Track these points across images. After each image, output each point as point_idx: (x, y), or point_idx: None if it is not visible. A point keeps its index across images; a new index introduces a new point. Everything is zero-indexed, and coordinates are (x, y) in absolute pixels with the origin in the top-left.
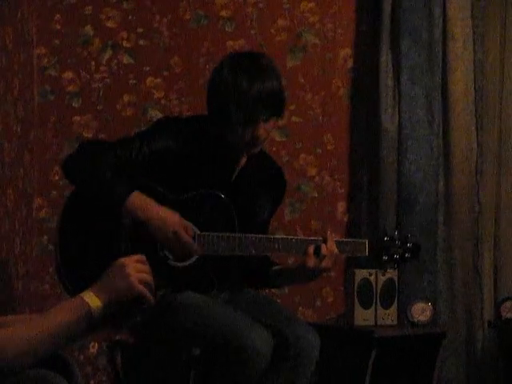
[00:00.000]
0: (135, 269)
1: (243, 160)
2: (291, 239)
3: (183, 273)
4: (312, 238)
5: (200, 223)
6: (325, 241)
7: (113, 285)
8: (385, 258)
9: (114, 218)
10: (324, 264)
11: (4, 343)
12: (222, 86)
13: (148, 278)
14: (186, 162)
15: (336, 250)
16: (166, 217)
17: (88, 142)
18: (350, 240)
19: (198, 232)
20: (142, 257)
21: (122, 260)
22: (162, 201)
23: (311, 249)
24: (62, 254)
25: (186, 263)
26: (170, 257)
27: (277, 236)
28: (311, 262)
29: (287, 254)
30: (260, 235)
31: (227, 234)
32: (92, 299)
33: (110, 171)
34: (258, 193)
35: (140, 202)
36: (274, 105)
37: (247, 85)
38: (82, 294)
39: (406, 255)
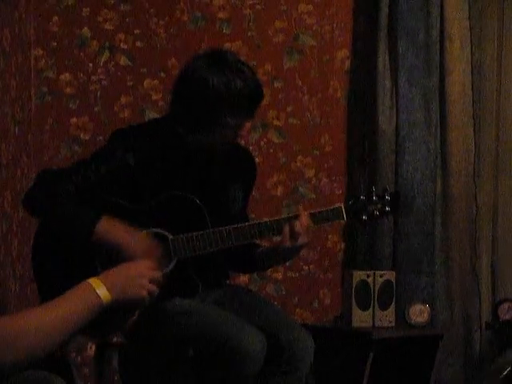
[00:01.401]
0: (150, 279)
1: (205, 155)
2: (264, 222)
3: (165, 280)
4: (284, 216)
5: (172, 227)
6: (297, 217)
7: (126, 288)
8: (364, 217)
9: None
10: (300, 240)
11: (16, 335)
12: (211, 82)
13: (156, 291)
14: (147, 169)
15: (311, 224)
16: (133, 242)
17: (44, 173)
18: (324, 209)
19: (171, 237)
20: (155, 264)
21: (142, 268)
22: (128, 214)
23: (286, 228)
24: (39, 279)
25: (166, 270)
26: None
27: (250, 223)
28: (287, 241)
29: (266, 238)
30: (231, 226)
31: (200, 233)
32: (104, 293)
33: (71, 201)
34: (228, 184)
35: (108, 227)
36: (258, 101)
37: (240, 80)
38: (93, 285)
39: (386, 209)
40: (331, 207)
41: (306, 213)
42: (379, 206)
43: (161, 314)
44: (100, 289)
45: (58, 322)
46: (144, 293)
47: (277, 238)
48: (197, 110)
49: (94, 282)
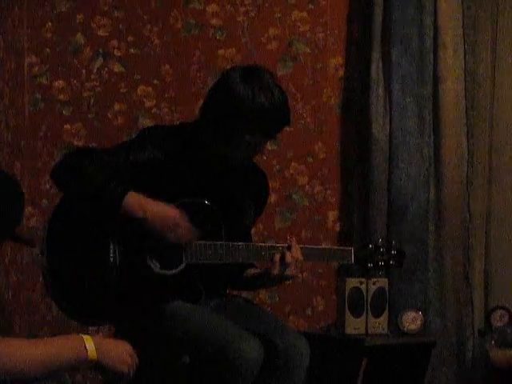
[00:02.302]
0: (133, 363)
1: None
2: (260, 246)
3: (171, 282)
4: (277, 244)
5: None
6: (289, 248)
7: (111, 355)
8: (370, 265)
9: (102, 230)
10: (288, 272)
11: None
12: (244, 100)
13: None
14: (172, 170)
15: (301, 258)
16: (165, 209)
17: (74, 150)
18: (336, 248)
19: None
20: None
21: (130, 349)
22: None
23: (277, 257)
24: (51, 265)
25: (174, 271)
26: (158, 265)
27: (262, 244)
28: (276, 269)
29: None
30: (246, 242)
31: (215, 243)
32: (91, 349)
33: (101, 174)
34: (244, 199)
35: (137, 200)
36: (281, 124)
37: (268, 102)
38: (84, 338)
39: (391, 262)
40: (343, 248)
41: (297, 246)
42: (385, 257)
43: (161, 316)
44: (89, 344)
45: (43, 359)
46: (126, 369)
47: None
48: (219, 118)
49: (85, 337)
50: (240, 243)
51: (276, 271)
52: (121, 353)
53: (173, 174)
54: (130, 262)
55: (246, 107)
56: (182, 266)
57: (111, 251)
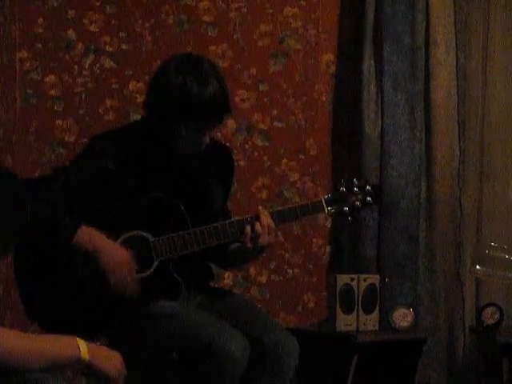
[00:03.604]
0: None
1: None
2: (227, 224)
3: (148, 282)
4: (242, 217)
5: (153, 229)
6: (257, 218)
7: (101, 357)
8: (346, 209)
9: (66, 255)
10: (261, 241)
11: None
12: (177, 94)
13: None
14: (126, 173)
15: (272, 224)
16: (112, 251)
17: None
18: (305, 203)
19: (152, 239)
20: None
21: (120, 356)
22: (110, 217)
23: (248, 229)
24: (23, 293)
25: (148, 272)
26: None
27: (228, 221)
28: (248, 242)
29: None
30: (210, 225)
31: (180, 233)
32: (84, 350)
33: (52, 207)
34: (206, 179)
35: (87, 236)
36: (225, 117)
37: (201, 91)
38: (77, 340)
39: (368, 199)
40: (311, 200)
41: (265, 212)
42: (360, 197)
43: (145, 317)
44: (81, 345)
45: (39, 352)
46: (116, 373)
47: None
48: (157, 109)
49: (79, 339)
50: (206, 226)
51: (249, 244)
52: (111, 357)
53: (128, 175)
54: (100, 274)
55: (178, 97)
56: (155, 264)
57: (80, 270)
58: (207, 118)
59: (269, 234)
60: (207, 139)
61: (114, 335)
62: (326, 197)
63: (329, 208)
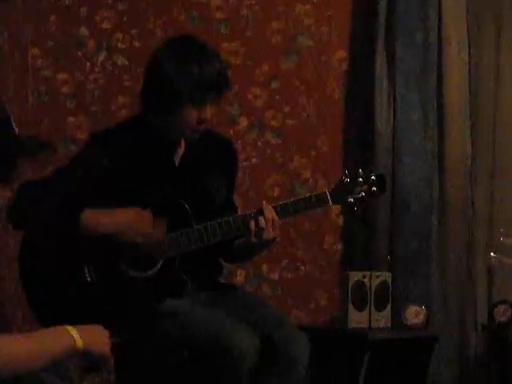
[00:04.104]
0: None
1: (181, 147)
2: (231, 219)
3: (153, 282)
4: (247, 213)
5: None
6: (261, 212)
7: (94, 339)
8: (350, 200)
9: (72, 255)
10: (265, 235)
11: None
12: (168, 69)
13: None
14: (125, 171)
15: (276, 218)
16: (122, 215)
17: (24, 186)
18: (309, 195)
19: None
20: None
21: (104, 329)
22: None
23: (252, 224)
24: (29, 290)
25: (153, 271)
26: (136, 271)
27: (232, 217)
28: (253, 236)
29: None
30: (214, 221)
31: (184, 231)
32: (77, 337)
33: (52, 203)
34: (207, 174)
35: (92, 217)
36: (222, 90)
37: (197, 66)
38: (68, 328)
39: (373, 189)
40: (315, 193)
41: (269, 206)
42: (365, 187)
43: (152, 316)
44: (74, 333)
45: (29, 355)
46: (108, 349)
47: None
48: (152, 93)
49: (68, 327)
50: (210, 223)
51: (253, 238)
52: (101, 336)
53: (127, 174)
54: (107, 276)
55: (200, 77)
56: (160, 263)
57: (86, 272)
58: (200, 93)
59: (273, 228)
60: (206, 115)
61: (123, 333)
62: (330, 189)
63: (333, 200)
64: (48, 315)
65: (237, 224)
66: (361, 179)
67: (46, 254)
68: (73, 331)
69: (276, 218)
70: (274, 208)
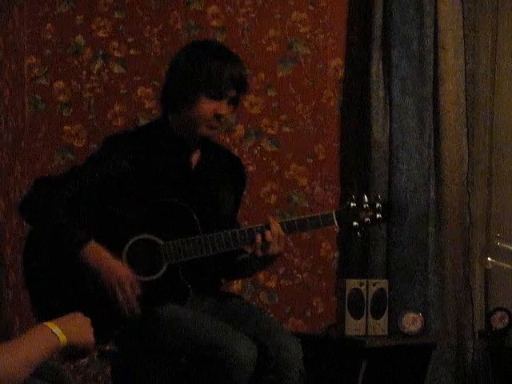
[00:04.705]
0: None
1: (196, 156)
2: (237, 231)
3: (155, 286)
4: (253, 226)
5: (163, 233)
6: (268, 226)
7: (77, 330)
8: (355, 224)
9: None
10: (271, 250)
11: None
12: (190, 64)
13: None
14: (140, 175)
15: (282, 233)
16: (116, 270)
17: (40, 181)
18: (315, 215)
19: (162, 243)
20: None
21: (84, 316)
22: (121, 220)
23: (258, 238)
24: (31, 290)
25: (157, 275)
26: (139, 274)
27: (240, 229)
28: (259, 250)
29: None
30: (221, 232)
31: (190, 238)
32: (60, 334)
33: (66, 214)
34: (218, 186)
35: (94, 253)
36: (240, 90)
37: (223, 63)
38: (49, 326)
39: (378, 216)
40: (322, 213)
41: (276, 222)
42: (370, 213)
43: (153, 321)
44: (56, 330)
45: (20, 364)
46: (90, 337)
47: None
48: (171, 86)
49: (50, 324)
50: (217, 233)
51: (259, 252)
52: (82, 325)
53: (141, 177)
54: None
55: (220, 73)
56: (164, 268)
57: (88, 276)
58: (218, 88)
59: (278, 243)
60: (223, 110)
61: (122, 339)
62: (336, 211)
63: (339, 221)
64: (48, 313)
65: (243, 236)
66: (367, 205)
67: (50, 254)
68: (54, 328)
69: (282, 233)
70: (281, 224)
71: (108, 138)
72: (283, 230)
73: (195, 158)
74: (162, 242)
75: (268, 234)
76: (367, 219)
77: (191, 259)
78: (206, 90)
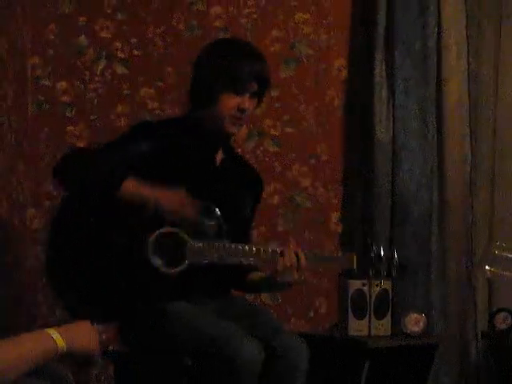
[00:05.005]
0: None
1: (220, 155)
2: (262, 249)
3: (172, 280)
4: (277, 248)
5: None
6: (296, 253)
7: (79, 338)
8: (372, 272)
9: (105, 225)
10: (287, 276)
11: None
12: (218, 56)
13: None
14: (166, 166)
15: (305, 263)
16: (164, 190)
17: (72, 150)
18: (339, 255)
19: (190, 242)
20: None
21: (90, 324)
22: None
23: (281, 260)
24: (54, 267)
25: (176, 270)
26: (160, 263)
27: (264, 247)
28: (278, 272)
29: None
30: (249, 244)
31: (218, 244)
32: (59, 340)
33: (102, 163)
34: (240, 187)
35: (136, 184)
36: (262, 83)
37: (244, 58)
38: (48, 331)
39: (393, 272)
40: (344, 254)
41: (301, 252)
42: (385, 266)
43: (163, 315)
44: (55, 336)
45: (11, 361)
46: (97, 344)
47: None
48: (196, 83)
49: (50, 330)
50: (242, 245)
51: (278, 274)
52: (85, 333)
53: (167, 167)
54: (133, 257)
55: (242, 68)
56: (185, 265)
57: (115, 245)
58: (241, 82)
59: (298, 271)
60: (245, 105)
61: (130, 335)
62: (357, 256)
63: (357, 266)
64: (69, 286)
65: (267, 255)
66: (385, 258)
67: (82, 222)
68: (54, 334)
69: (305, 263)
70: (305, 254)
71: (136, 124)
72: (306, 259)
73: (219, 156)
74: (189, 240)
75: (280, 261)
76: (383, 272)
77: (212, 263)
78: (227, 86)
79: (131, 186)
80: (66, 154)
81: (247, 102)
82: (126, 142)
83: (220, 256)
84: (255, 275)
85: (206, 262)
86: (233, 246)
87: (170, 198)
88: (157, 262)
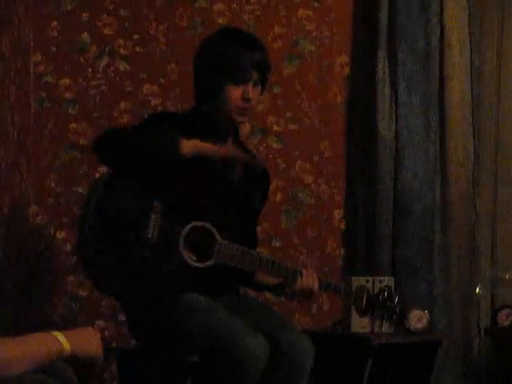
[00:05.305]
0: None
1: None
2: (285, 266)
3: (195, 273)
4: (298, 268)
5: (218, 227)
6: (301, 274)
7: (83, 342)
8: (376, 314)
9: (142, 207)
10: (301, 296)
11: None
12: (215, 50)
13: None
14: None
15: (317, 289)
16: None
17: (111, 128)
18: (351, 290)
19: (220, 241)
20: None
21: (95, 329)
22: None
23: (299, 280)
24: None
25: (202, 265)
26: (189, 255)
27: (292, 267)
28: (292, 291)
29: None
30: (275, 257)
31: (246, 250)
32: (65, 343)
33: (151, 131)
34: (251, 184)
35: (193, 141)
36: (263, 71)
37: (241, 48)
38: (54, 334)
39: (393, 317)
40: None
41: (317, 277)
42: (389, 311)
43: (175, 306)
44: (60, 338)
45: (15, 358)
46: (101, 349)
47: None
48: (199, 78)
49: (55, 332)
50: (268, 257)
51: (289, 292)
52: (89, 338)
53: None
54: (164, 245)
55: (242, 58)
56: (211, 262)
57: (150, 228)
58: (247, 66)
59: (310, 295)
60: (249, 94)
61: (138, 320)
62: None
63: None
64: (102, 260)
65: (286, 272)
66: (389, 303)
67: (124, 197)
68: (60, 336)
69: (317, 289)
70: (319, 281)
71: (154, 113)
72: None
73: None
74: (220, 239)
75: (307, 282)
76: (385, 314)
77: (235, 266)
78: (228, 78)
79: (188, 144)
80: (107, 130)
81: (251, 91)
82: (149, 125)
83: (245, 261)
84: (263, 277)
85: (234, 265)
86: (260, 256)
87: (224, 148)
88: (186, 254)
